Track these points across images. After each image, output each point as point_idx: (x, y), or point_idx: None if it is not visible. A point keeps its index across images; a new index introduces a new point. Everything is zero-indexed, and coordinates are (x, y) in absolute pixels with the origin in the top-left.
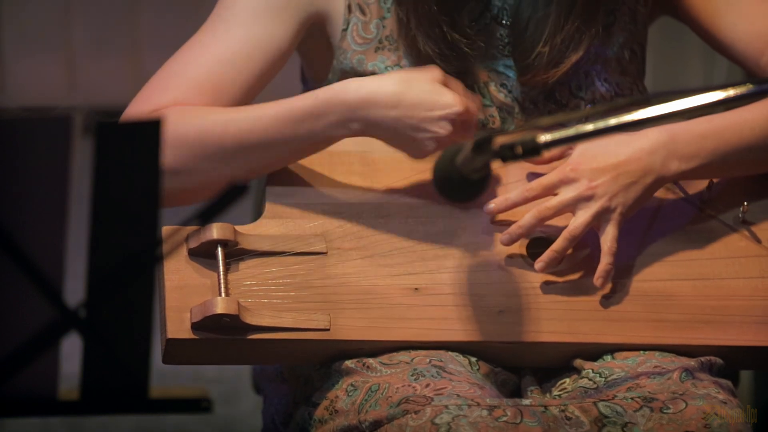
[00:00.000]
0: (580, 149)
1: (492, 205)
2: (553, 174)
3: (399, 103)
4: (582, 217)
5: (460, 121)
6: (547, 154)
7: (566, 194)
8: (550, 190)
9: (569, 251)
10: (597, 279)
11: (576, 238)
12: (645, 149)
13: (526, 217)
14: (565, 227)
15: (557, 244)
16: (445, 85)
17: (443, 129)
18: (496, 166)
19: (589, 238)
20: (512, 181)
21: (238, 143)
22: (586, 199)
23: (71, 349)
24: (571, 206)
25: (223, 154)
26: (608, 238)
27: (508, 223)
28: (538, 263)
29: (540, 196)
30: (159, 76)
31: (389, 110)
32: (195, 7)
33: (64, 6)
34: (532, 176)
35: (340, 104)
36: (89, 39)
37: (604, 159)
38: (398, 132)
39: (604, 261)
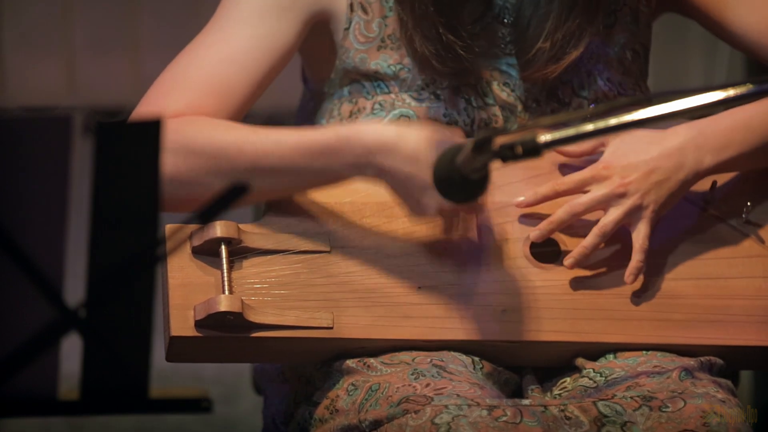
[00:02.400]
0: (612, 147)
1: (522, 198)
2: (585, 171)
3: (416, 161)
4: (614, 214)
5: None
6: (577, 148)
7: (598, 191)
8: (581, 187)
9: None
10: (628, 276)
11: (607, 234)
12: (676, 146)
13: (557, 212)
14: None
15: (587, 241)
16: None
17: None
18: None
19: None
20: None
21: (251, 165)
22: (619, 196)
23: (71, 349)
24: (604, 203)
25: (235, 173)
26: (640, 235)
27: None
28: (568, 260)
29: (570, 192)
30: (166, 77)
31: (405, 165)
32: (195, 7)
33: (64, 6)
34: (564, 168)
35: (359, 145)
36: (89, 39)
37: (636, 156)
38: (407, 188)
39: (636, 258)
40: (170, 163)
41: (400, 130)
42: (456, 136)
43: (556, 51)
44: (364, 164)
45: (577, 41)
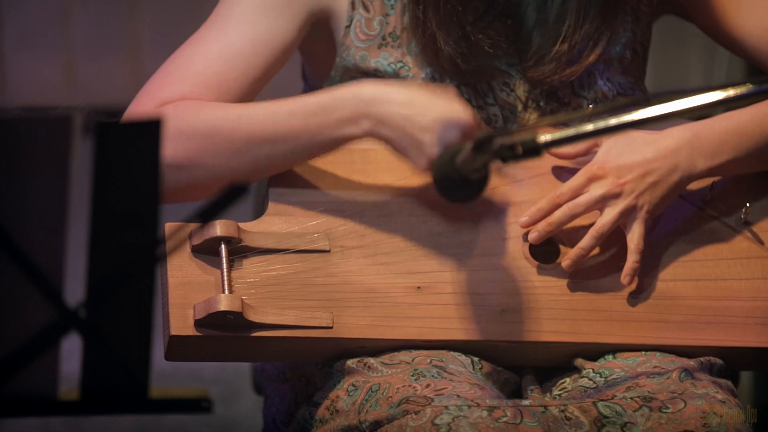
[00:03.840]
0: (606, 147)
1: (526, 218)
2: (579, 175)
3: (411, 103)
4: (609, 214)
5: (468, 135)
6: (571, 149)
7: (595, 191)
8: (579, 191)
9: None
10: (624, 277)
11: (603, 235)
12: (670, 147)
13: (555, 213)
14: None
15: (584, 242)
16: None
17: (451, 135)
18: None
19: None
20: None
21: (248, 137)
22: (614, 196)
23: (71, 349)
24: (600, 203)
25: (233, 148)
26: (635, 236)
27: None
28: (565, 261)
29: (570, 200)
30: (164, 71)
31: (401, 108)
32: (195, 7)
33: (63, 6)
34: (555, 170)
35: (353, 98)
36: (89, 39)
37: (631, 157)
38: (406, 132)
39: (631, 259)
40: (168, 149)
41: (393, 83)
42: (447, 92)
43: (575, 54)
44: (360, 116)
45: (595, 43)
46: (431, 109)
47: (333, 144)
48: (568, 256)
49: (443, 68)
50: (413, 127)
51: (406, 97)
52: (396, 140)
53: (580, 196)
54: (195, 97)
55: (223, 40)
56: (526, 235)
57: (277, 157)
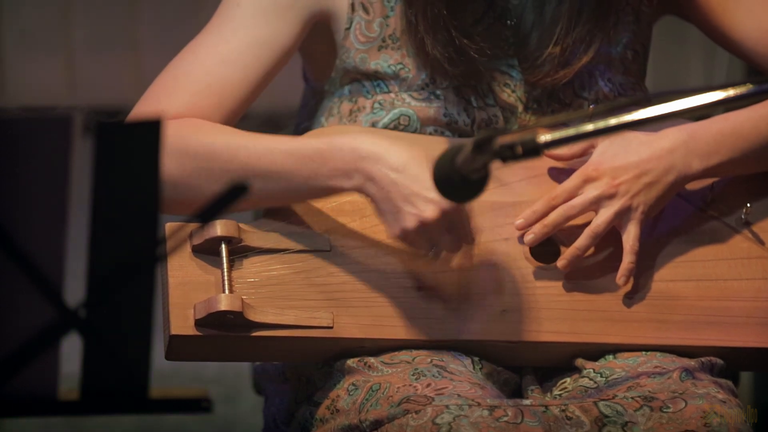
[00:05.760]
0: (601, 149)
1: (521, 220)
2: (574, 176)
3: (403, 169)
4: (604, 214)
5: (448, 218)
6: (567, 150)
7: (589, 193)
8: (574, 193)
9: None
10: (620, 278)
11: (598, 235)
12: (666, 148)
13: (550, 215)
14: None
15: (580, 242)
16: None
17: (429, 212)
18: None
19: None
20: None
21: (243, 169)
22: (609, 197)
23: (71, 349)
24: (595, 204)
25: (227, 177)
26: (630, 237)
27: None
28: (561, 261)
29: (565, 202)
30: (165, 77)
31: (391, 172)
32: (195, 7)
33: (64, 6)
34: (554, 171)
35: (351, 151)
36: (89, 39)
37: (626, 158)
38: (389, 196)
39: (627, 260)
40: (165, 165)
41: (392, 142)
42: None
43: (568, 56)
44: (352, 170)
45: (588, 46)
46: (419, 180)
47: (322, 192)
48: (563, 256)
49: (434, 71)
50: (397, 194)
51: (401, 161)
52: (379, 201)
53: (575, 197)
54: (197, 104)
55: (224, 44)
56: (523, 236)
57: (267, 193)
